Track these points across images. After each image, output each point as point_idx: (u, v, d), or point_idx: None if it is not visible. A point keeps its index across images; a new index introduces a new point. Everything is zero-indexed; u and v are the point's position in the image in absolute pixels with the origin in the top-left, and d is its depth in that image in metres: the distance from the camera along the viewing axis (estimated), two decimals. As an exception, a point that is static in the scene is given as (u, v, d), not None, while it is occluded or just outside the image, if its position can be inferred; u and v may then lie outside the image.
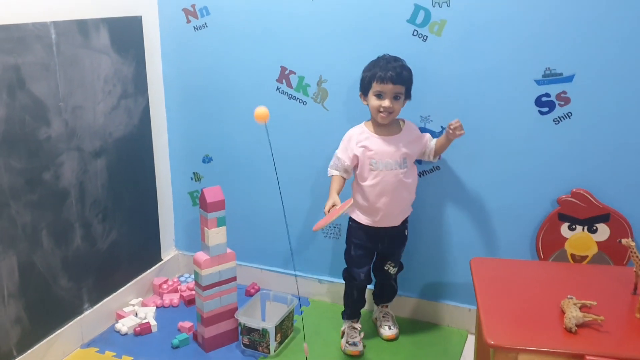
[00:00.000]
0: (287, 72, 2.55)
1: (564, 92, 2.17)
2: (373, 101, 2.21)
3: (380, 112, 2.20)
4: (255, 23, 2.54)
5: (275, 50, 2.54)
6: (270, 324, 2.33)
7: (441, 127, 2.36)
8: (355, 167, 2.31)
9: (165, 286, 2.80)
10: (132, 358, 2.35)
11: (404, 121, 2.32)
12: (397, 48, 2.30)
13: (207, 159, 2.83)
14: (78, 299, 2.41)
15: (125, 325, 2.51)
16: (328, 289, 2.76)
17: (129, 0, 2.53)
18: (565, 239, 2.25)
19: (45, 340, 2.25)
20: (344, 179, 2.32)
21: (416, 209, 2.44)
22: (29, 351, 2.18)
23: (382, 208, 2.28)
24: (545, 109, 2.21)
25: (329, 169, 2.35)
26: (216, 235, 2.31)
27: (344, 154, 2.29)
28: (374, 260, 2.47)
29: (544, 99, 2.20)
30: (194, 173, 2.88)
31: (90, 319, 2.46)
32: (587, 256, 2.25)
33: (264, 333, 2.33)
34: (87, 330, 2.45)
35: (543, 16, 2.13)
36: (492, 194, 2.36)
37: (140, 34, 2.59)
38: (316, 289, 2.77)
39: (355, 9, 2.37)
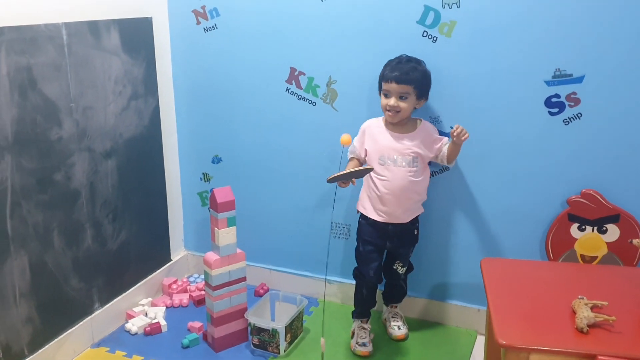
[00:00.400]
0: (296, 72, 2.56)
1: (574, 93, 2.17)
2: (382, 99, 2.26)
3: (387, 110, 2.24)
4: (264, 24, 2.55)
5: (285, 51, 2.55)
6: (280, 324, 2.34)
7: (451, 127, 2.36)
8: (367, 156, 2.36)
9: (174, 286, 2.81)
10: (142, 358, 2.37)
11: (421, 121, 2.32)
12: (407, 49, 2.31)
13: (216, 160, 2.84)
14: (88, 298, 2.42)
15: (135, 325, 2.52)
16: (337, 289, 2.76)
17: (140, 2, 2.54)
18: (575, 239, 2.25)
19: (56, 340, 2.26)
20: (360, 164, 2.39)
21: (426, 209, 2.44)
22: (40, 350, 2.19)
23: (388, 203, 2.29)
24: (555, 110, 2.21)
25: (348, 154, 2.43)
26: (226, 236, 2.32)
27: (358, 142, 2.37)
28: (384, 260, 2.47)
29: (553, 99, 2.20)
30: (203, 173, 2.90)
31: (101, 319, 2.47)
32: (596, 257, 2.24)
33: (273, 333, 2.34)
34: (98, 330, 2.46)
35: (553, 17, 2.13)
36: (501, 195, 2.36)
37: (151, 35, 2.61)
38: (326, 289, 2.77)
39: (365, 10, 2.37)
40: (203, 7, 2.64)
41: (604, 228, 2.21)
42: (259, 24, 2.56)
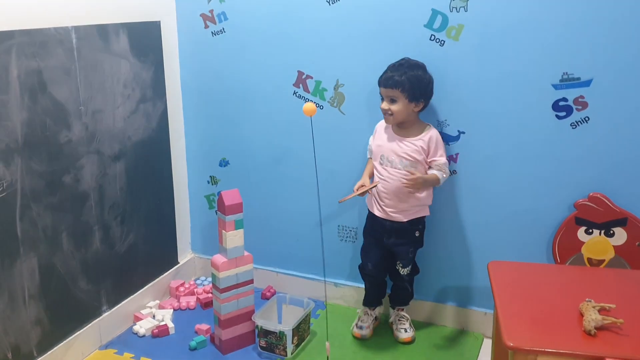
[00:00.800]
0: (304, 76, 2.57)
1: (582, 97, 2.17)
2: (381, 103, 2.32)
3: (383, 113, 2.31)
4: (272, 28, 2.57)
5: (293, 55, 2.56)
6: (287, 327, 2.34)
7: (458, 131, 2.37)
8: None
9: (181, 289, 2.82)
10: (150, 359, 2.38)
11: (430, 127, 2.33)
12: (415, 53, 2.31)
13: (223, 163, 2.86)
14: (97, 300, 2.44)
15: (143, 327, 2.53)
16: (345, 292, 2.76)
17: (148, 6, 2.56)
18: (582, 243, 2.25)
19: (64, 342, 2.27)
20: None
21: (433, 213, 2.44)
22: (48, 352, 2.21)
23: (386, 201, 2.36)
24: (563, 114, 2.21)
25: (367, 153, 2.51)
26: (234, 238, 2.33)
27: (371, 140, 2.46)
28: (388, 261, 2.49)
29: (561, 103, 2.20)
30: (210, 176, 2.91)
31: (109, 321, 2.49)
32: (604, 260, 2.24)
33: (281, 336, 2.34)
34: (106, 332, 2.47)
35: (561, 20, 2.13)
36: (508, 198, 2.36)
37: (159, 39, 2.63)
38: (332, 292, 2.77)
39: (372, 14, 2.38)
40: (211, 11, 2.66)
41: (611, 231, 2.21)
42: (266, 28, 2.58)
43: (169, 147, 2.77)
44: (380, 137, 2.38)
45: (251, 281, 2.43)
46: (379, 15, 2.37)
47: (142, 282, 2.69)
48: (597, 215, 2.21)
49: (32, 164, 2.06)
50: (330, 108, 2.56)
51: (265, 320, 2.42)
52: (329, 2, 2.43)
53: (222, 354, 2.42)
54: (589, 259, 2.26)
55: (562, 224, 2.27)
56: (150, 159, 2.66)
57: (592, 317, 1.58)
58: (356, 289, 2.71)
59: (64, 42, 2.14)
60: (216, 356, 2.42)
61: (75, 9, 2.19)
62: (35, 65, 2.03)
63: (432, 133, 2.31)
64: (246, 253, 2.39)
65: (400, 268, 2.44)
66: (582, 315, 1.63)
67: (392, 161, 2.32)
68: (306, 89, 2.58)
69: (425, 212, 2.42)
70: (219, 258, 2.35)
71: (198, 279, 3.00)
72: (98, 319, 2.44)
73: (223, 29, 2.67)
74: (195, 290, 2.84)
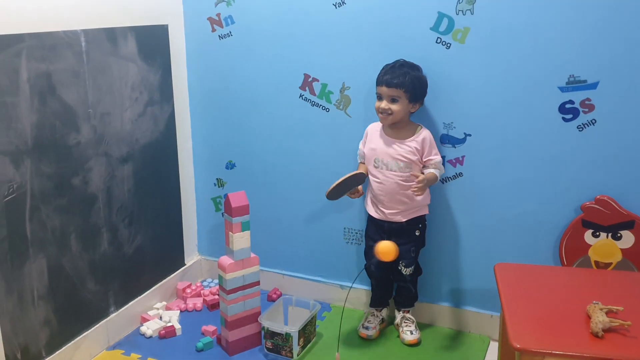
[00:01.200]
0: (310, 79, 2.58)
1: (588, 99, 2.17)
2: (376, 102, 2.32)
3: (380, 113, 2.31)
4: (279, 31, 2.58)
5: (299, 58, 2.58)
6: (293, 328, 2.35)
7: (464, 133, 2.37)
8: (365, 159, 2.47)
9: (188, 290, 2.84)
10: (157, 360, 2.39)
11: (421, 128, 2.35)
12: (421, 55, 2.32)
13: (230, 165, 2.87)
14: (104, 301, 2.45)
15: (150, 328, 2.54)
16: (350, 294, 2.76)
17: (156, 10, 2.58)
18: (589, 245, 2.25)
19: (72, 342, 2.29)
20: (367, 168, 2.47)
21: (438, 215, 2.45)
22: (57, 352, 2.22)
23: (382, 203, 2.40)
24: (569, 116, 2.21)
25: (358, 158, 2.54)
26: (240, 240, 2.34)
27: (361, 144, 2.49)
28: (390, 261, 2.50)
29: (567, 105, 2.20)
30: (217, 179, 2.92)
31: (116, 322, 2.50)
32: (611, 263, 2.24)
33: (287, 337, 2.35)
34: (113, 333, 2.49)
35: (567, 23, 2.14)
36: (515, 200, 2.36)
37: (167, 42, 2.64)
38: (338, 294, 2.78)
39: (378, 17, 2.39)
40: (218, 15, 2.67)
41: (619, 234, 2.21)
42: (273, 31, 2.59)
43: (176, 150, 2.79)
44: (373, 141, 2.40)
45: (257, 283, 2.44)
46: (385, 18, 2.38)
47: (149, 284, 2.70)
48: (604, 218, 2.20)
49: (41, 166, 2.08)
50: (336, 111, 2.57)
51: (272, 321, 2.43)
52: (335, 6, 2.45)
53: (228, 355, 2.43)
54: (596, 262, 2.26)
55: (568, 226, 2.27)
56: (157, 162, 2.67)
57: (600, 319, 1.58)
58: (363, 291, 2.72)
59: (73, 45, 2.16)
60: (223, 357, 2.43)
61: (85, 13, 2.20)
62: (44, 68, 2.05)
63: (424, 133, 2.34)
64: (253, 255, 2.40)
65: (402, 268, 2.45)
66: (589, 317, 1.63)
67: (387, 163, 2.35)
68: (312, 92, 2.59)
69: (424, 211, 2.44)
70: (225, 260, 2.36)
71: (204, 280, 3.02)
72: (106, 320, 2.45)
73: (230, 32, 2.68)
74: (201, 291, 2.86)
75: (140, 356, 2.42)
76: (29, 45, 1.98)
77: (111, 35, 2.33)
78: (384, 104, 2.28)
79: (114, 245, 2.46)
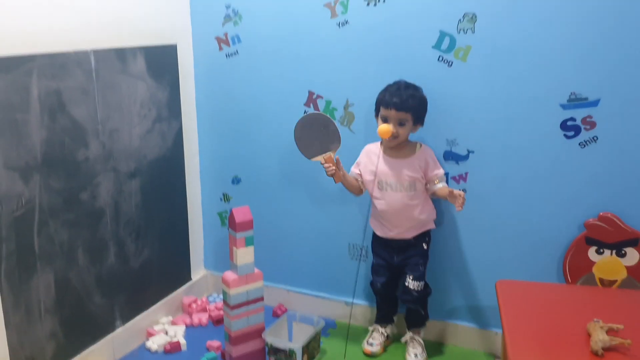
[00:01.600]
0: (314, 96, 2.62)
1: (590, 117, 2.18)
2: (379, 124, 2.32)
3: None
4: (284, 50, 2.62)
5: (303, 76, 2.62)
6: (297, 344, 2.36)
7: (467, 150, 2.39)
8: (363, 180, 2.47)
9: (194, 305, 2.86)
10: (161, 375, 2.41)
11: (420, 145, 2.37)
12: (423, 73, 2.35)
13: (236, 180, 2.90)
14: (110, 316, 2.48)
15: (155, 342, 2.56)
16: (355, 311, 2.77)
17: (165, 30, 2.63)
18: (593, 263, 2.24)
19: (78, 356, 2.31)
20: (357, 183, 2.49)
21: (443, 231, 2.46)
22: (63, 366, 2.25)
23: (389, 223, 2.42)
24: (571, 133, 2.22)
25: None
26: (244, 255, 2.36)
27: (357, 169, 2.49)
28: (398, 279, 2.51)
29: (569, 123, 2.21)
30: (223, 194, 2.96)
31: (122, 336, 2.52)
32: (616, 280, 2.23)
33: (290, 353, 2.36)
34: (119, 347, 2.51)
35: (568, 40, 2.16)
36: (518, 217, 2.37)
37: (175, 61, 2.70)
38: (343, 310, 2.79)
39: (381, 35, 2.43)
40: (225, 34, 2.73)
41: (623, 252, 2.20)
42: (278, 50, 2.64)
43: (184, 165, 2.83)
44: (373, 162, 2.40)
45: (261, 298, 2.45)
46: (388, 36, 2.42)
47: (155, 298, 2.73)
48: (607, 235, 2.20)
49: (50, 181, 2.12)
50: (340, 127, 2.58)
51: (276, 337, 2.44)
52: (338, 25, 2.49)
53: (232, 371, 2.44)
54: (601, 279, 2.25)
55: (572, 243, 2.27)
56: (165, 177, 2.71)
57: (600, 338, 1.58)
58: (368, 308, 2.72)
59: (83, 64, 2.21)
60: (227, 372, 2.44)
61: (95, 33, 2.26)
62: (55, 86, 2.10)
63: (426, 150, 2.36)
64: (257, 270, 2.42)
65: (410, 281, 2.43)
66: (589, 335, 1.63)
67: (392, 184, 2.36)
68: (317, 109, 2.62)
69: (431, 226, 2.46)
70: (229, 275, 2.38)
71: (210, 295, 3.04)
72: (111, 334, 2.47)
73: (237, 51, 2.73)
74: (207, 306, 2.88)
75: (145, 370, 2.44)
76: (40, 65, 2.03)
77: (121, 54, 2.38)
78: (391, 127, 2.27)
79: (121, 259, 2.50)
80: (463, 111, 2.36)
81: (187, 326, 2.76)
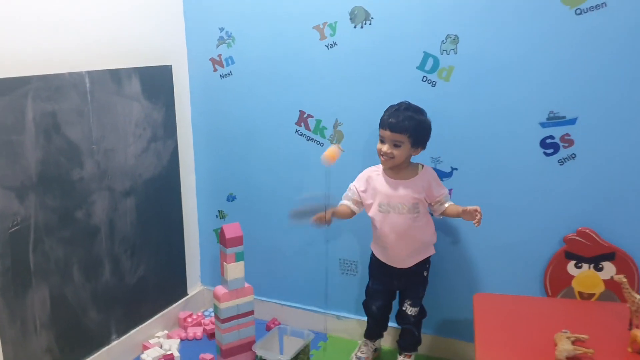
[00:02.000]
0: (305, 115, 2.70)
1: (568, 135, 2.24)
2: (378, 144, 2.32)
3: (381, 155, 2.31)
4: (276, 71, 2.71)
5: (295, 96, 2.70)
6: (285, 357, 2.41)
7: (451, 167, 2.45)
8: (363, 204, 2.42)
9: (189, 319, 2.92)
10: (154, 388, 2.47)
11: (422, 167, 2.39)
12: (408, 93, 2.42)
13: (231, 198, 2.98)
14: (106, 330, 2.54)
15: (150, 356, 2.62)
16: (345, 325, 2.83)
17: (161, 51, 2.72)
18: (572, 276, 2.29)
19: (73, 369, 2.38)
20: (350, 211, 2.42)
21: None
22: (58, 378, 2.31)
23: (391, 248, 2.39)
24: (550, 151, 2.28)
25: (341, 200, 2.46)
26: (235, 270, 2.43)
27: (355, 188, 2.42)
28: (396, 302, 2.55)
29: (548, 140, 2.27)
30: (218, 211, 3.03)
31: (117, 350, 2.58)
32: (594, 294, 2.27)
33: (279, 366, 2.42)
34: (114, 360, 2.58)
35: (547, 61, 2.22)
36: (499, 233, 2.42)
37: (171, 81, 2.78)
38: (334, 324, 2.84)
39: (368, 57, 2.50)
40: (219, 56, 2.82)
41: (600, 265, 2.25)
42: (270, 71, 2.72)
43: (179, 183, 2.90)
44: (374, 186, 2.37)
45: (252, 312, 2.52)
46: (374, 58, 2.49)
47: (151, 313, 2.79)
48: (586, 250, 2.25)
49: (45, 199, 2.20)
50: (330, 145, 2.67)
51: (266, 350, 2.49)
52: (327, 47, 2.57)
53: (223, 383, 2.50)
54: (580, 293, 2.29)
55: (552, 257, 2.31)
56: (160, 195, 2.78)
57: (564, 347, 1.63)
58: (358, 321, 2.77)
59: (78, 86, 2.29)
60: (218, 385, 2.50)
61: (90, 55, 2.32)
62: (50, 108, 2.17)
63: (428, 171, 2.37)
64: (247, 285, 2.49)
65: (408, 307, 2.46)
66: (556, 345, 1.68)
67: (394, 207, 2.33)
68: (307, 128, 2.70)
69: (431, 251, 2.45)
70: (220, 289, 2.45)
71: (207, 310, 3.10)
72: (107, 348, 2.53)
73: (230, 72, 2.82)
74: (202, 321, 2.94)
75: (138, 383, 2.50)
76: (35, 87, 2.11)
77: (115, 76, 2.46)
78: (386, 148, 2.26)
79: (116, 275, 2.56)
80: (446, 129, 2.42)
81: (182, 340, 2.82)
